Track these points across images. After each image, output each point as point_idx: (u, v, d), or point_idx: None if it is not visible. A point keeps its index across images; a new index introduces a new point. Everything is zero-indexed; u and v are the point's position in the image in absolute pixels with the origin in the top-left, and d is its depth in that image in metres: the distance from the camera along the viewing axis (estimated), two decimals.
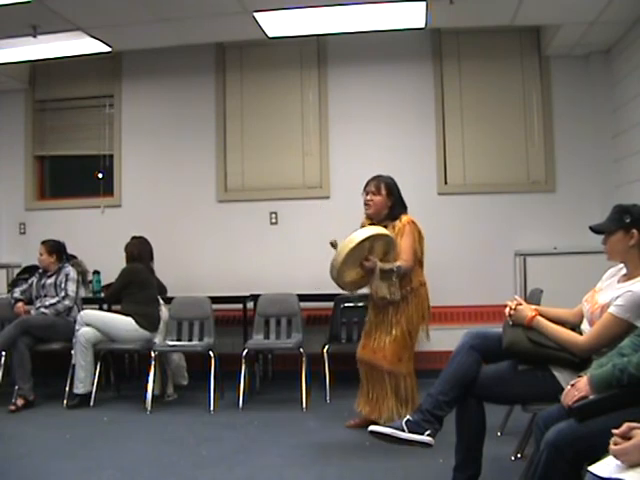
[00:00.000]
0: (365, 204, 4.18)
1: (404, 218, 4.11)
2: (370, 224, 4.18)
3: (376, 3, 4.85)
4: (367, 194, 4.18)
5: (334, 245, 3.86)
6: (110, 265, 5.55)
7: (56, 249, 5.41)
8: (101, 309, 5.72)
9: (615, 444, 1.76)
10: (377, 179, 4.20)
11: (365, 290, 4.23)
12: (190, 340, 5.24)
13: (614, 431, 1.79)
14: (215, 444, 3.97)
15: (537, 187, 5.90)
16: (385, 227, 4.04)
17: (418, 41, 5.97)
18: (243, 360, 4.93)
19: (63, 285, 5.27)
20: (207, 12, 5.03)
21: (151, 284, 5.32)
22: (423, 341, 4.20)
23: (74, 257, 5.55)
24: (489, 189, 5.90)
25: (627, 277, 2.61)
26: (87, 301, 5.63)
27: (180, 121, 6.35)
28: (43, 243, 5.40)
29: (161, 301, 5.36)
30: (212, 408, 4.75)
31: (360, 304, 5.19)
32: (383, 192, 4.14)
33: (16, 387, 4.88)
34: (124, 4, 4.83)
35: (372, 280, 3.94)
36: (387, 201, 4.14)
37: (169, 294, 5.52)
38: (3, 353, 5.00)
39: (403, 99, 6.04)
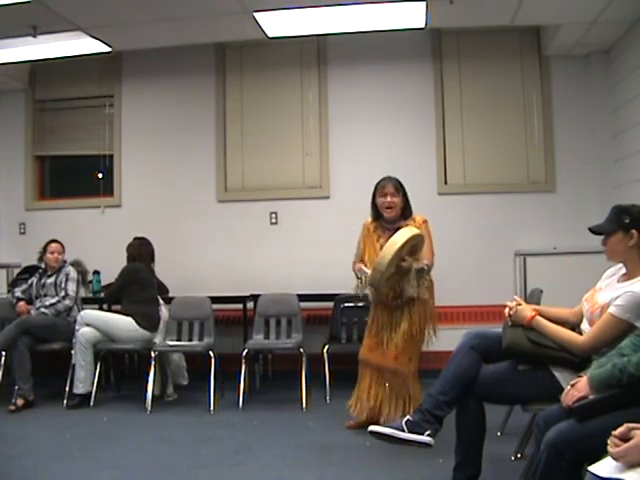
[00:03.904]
0: (388, 207, 4.10)
1: (418, 217, 4.12)
2: (375, 225, 4.18)
3: (376, 3, 4.85)
4: (385, 195, 4.10)
5: (360, 277, 3.97)
6: (110, 265, 5.56)
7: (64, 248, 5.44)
8: (101, 309, 5.72)
9: (614, 445, 1.76)
10: (393, 180, 4.15)
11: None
12: (190, 340, 5.25)
13: (612, 432, 1.79)
14: (215, 444, 3.97)
15: (537, 187, 5.90)
16: (397, 228, 3.96)
17: (418, 41, 5.97)
18: (243, 360, 4.93)
19: (63, 285, 5.27)
20: (207, 12, 5.03)
21: (151, 284, 5.32)
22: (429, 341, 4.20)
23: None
24: (489, 189, 5.90)
25: (627, 277, 2.60)
26: (87, 301, 5.63)
27: (180, 121, 6.36)
28: (56, 242, 5.39)
29: (161, 301, 5.37)
30: (212, 408, 4.75)
31: (360, 304, 5.19)
32: (401, 192, 4.12)
33: (16, 387, 4.88)
34: (124, 4, 4.84)
35: (407, 280, 3.89)
36: (402, 201, 4.13)
37: (169, 294, 5.52)
38: (3, 353, 5.00)
39: (403, 99, 6.04)
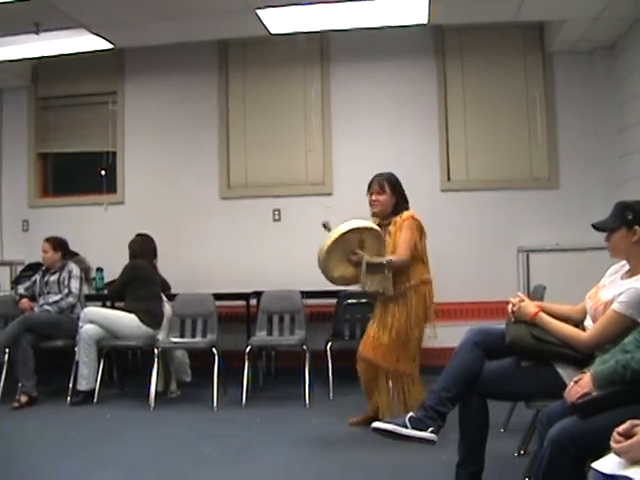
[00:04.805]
0: (371, 204, 4.18)
1: (405, 213, 4.11)
2: (378, 223, 4.18)
3: None
4: (372, 194, 4.17)
5: (326, 226, 3.96)
6: (113, 262, 5.56)
7: (60, 246, 5.42)
8: (104, 306, 5.72)
9: (616, 442, 1.75)
10: (380, 178, 4.20)
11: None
12: (193, 337, 5.25)
13: (616, 429, 1.79)
14: (218, 441, 3.97)
15: (540, 183, 5.89)
16: (389, 224, 4.08)
17: (421, 37, 5.96)
18: (246, 357, 4.93)
19: (66, 282, 5.28)
20: (209, 9, 5.03)
21: (154, 280, 5.32)
22: (427, 338, 4.19)
23: (76, 254, 5.55)
24: (492, 185, 5.89)
25: (630, 273, 2.59)
26: (90, 298, 5.63)
27: (183, 118, 6.36)
28: (47, 240, 5.41)
29: (164, 298, 5.37)
30: (215, 405, 4.76)
31: (363, 300, 5.19)
32: (387, 190, 4.14)
33: (19, 384, 4.89)
34: (127, 1, 4.83)
35: (360, 274, 3.92)
36: (392, 198, 4.15)
37: (173, 291, 5.53)
38: (6, 350, 5.00)
39: (406, 96, 6.03)
